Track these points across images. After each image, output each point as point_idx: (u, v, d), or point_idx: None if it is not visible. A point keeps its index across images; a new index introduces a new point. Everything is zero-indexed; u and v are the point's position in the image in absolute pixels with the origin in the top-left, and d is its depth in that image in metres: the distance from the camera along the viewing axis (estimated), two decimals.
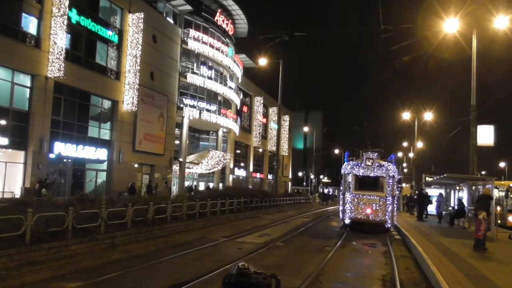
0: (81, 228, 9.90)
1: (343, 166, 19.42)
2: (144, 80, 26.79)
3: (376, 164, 18.53)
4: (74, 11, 22.05)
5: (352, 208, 18.37)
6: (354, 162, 19.11)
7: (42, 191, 17.47)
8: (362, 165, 18.64)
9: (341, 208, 19.45)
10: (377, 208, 18.05)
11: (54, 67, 20.16)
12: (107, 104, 25.28)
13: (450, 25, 18.17)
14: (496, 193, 20.43)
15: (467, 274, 8.12)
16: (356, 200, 18.41)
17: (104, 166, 24.91)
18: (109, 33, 24.71)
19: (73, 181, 22.81)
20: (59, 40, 20.24)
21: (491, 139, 19.15)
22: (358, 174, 18.66)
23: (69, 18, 21.18)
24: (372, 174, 18.57)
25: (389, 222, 18.02)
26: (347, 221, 18.63)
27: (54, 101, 20.95)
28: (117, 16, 25.79)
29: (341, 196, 19.73)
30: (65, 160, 22.39)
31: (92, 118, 24.53)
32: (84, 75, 22.70)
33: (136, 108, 25.75)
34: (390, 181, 18.26)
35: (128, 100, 25.33)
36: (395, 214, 18.84)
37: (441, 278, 7.56)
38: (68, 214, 9.50)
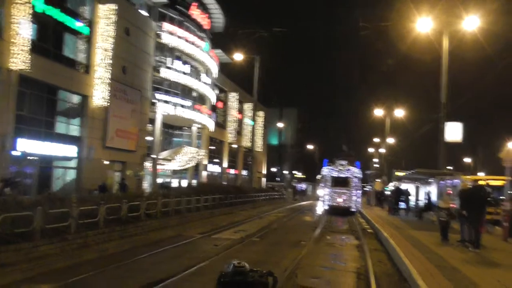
0: (50, 228, 9.53)
1: (323, 169, 28.13)
2: (116, 74, 26.06)
3: (346, 168, 26.99)
4: None
5: (329, 198, 26.74)
6: (330, 167, 27.54)
7: (5, 190, 16.70)
8: (336, 169, 27.14)
9: (321, 198, 28.64)
10: (346, 198, 26.32)
11: (18, 59, 19.10)
12: (76, 99, 24.44)
13: (422, 25, 18.67)
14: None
15: (438, 265, 8.40)
16: (332, 192, 26.69)
17: (73, 163, 24.11)
18: (78, 25, 23.80)
19: (40, 180, 21.95)
20: (23, 30, 19.14)
21: (459, 136, 19.84)
22: (333, 175, 27.04)
23: (33, 7, 20.17)
24: (342, 175, 26.85)
25: (354, 207, 26.17)
26: (326, 207, 26.81)
27: (18, 95, 19.94)
28: (87, 7, 24.83)
29: (322, 191, 28.70)
30: (30, 157, 21.52)
31: (60, 114, 23.61)
32: (51, 68, 21.79)
33: (107, 103, 25.01)
34: (355, 180, 26.79)
35: (99, 95, 24.57)
36: (359, 202, 27.26)
37: (414, 270, 7.78)
38: (36, 213, 9.15)
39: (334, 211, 25.74)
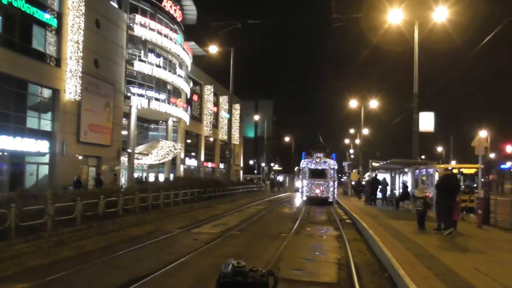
0: (25, 226, 9.20)
1: (301, 162, 29.14)
2: (88, 67, 25.30)
3: (323, 161, 28.22)
4: None
5: (308, 189, 28.04)
6: (308, 160, 28.63)
7: None
8: (313, 161, 28.31)
9: (300, 190, 30.19)
10: (323, 189, 27.61)
11: None
12: (47, 93, 23.58)
13: (394, 16, 18.97)
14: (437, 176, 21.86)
15: (416, 254, 8.60)
16: (310, 184, 27.96)
17: (46, 159, 23.33)
18: (46, 16, 22.85)
19: (12, 176, 21.15)
20: None
21: (432, 125, 20.36)
22: (311, 167, 28.29)
23: None
24: (319, 167, 28.15)
25: (331, 197, 27.72)
26: (304, 198, 28.22)
27: None
28: None
29: (300, 182, 30.24)
30: (0, 153, 20.70)
31: (31, 108, 22.74)
32: (19, 61, 20.87)
33: (79, 97, 24.27)
34: (332, 171, 28.18)
35: (71, 88, 23.79)
36: (335, 192, 29.08)
37: (394, 260, 7.93)
38: (9, 211, 8.79)
39: (312, 201, 27.03)
